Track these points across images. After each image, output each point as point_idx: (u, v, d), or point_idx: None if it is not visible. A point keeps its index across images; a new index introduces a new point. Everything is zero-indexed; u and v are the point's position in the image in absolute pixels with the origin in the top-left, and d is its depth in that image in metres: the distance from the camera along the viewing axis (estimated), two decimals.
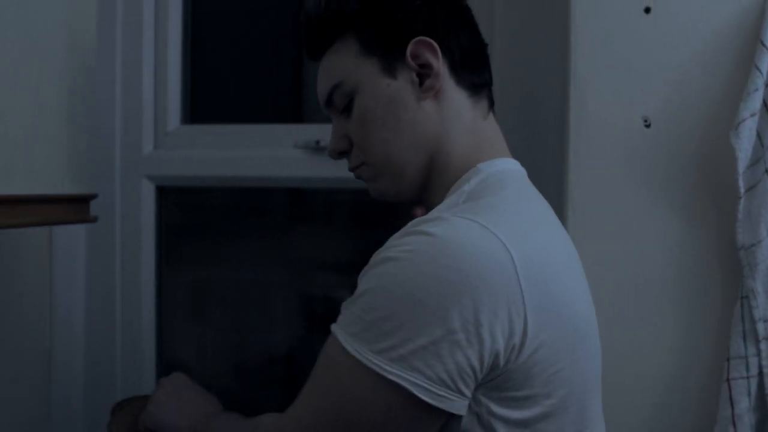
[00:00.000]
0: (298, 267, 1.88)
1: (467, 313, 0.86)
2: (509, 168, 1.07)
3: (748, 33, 1.33)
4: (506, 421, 0.91)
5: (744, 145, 1.26)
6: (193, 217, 1.98)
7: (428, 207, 1.07)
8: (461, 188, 1.01)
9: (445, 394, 0.87)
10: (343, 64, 1.06)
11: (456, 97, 1.05)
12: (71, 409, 1.82)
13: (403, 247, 0.90)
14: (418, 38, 1.02)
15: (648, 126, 1.37)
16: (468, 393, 0.89)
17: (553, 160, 1.54)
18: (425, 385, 0.87)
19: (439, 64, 1.03)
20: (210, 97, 1.92)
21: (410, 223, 0.94)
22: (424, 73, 1.03)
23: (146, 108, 1.83)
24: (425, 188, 1.07)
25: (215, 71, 1.92)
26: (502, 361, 0.89)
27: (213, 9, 1.92)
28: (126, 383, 1.85)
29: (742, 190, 1.27)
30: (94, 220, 1.33)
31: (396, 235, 0.94)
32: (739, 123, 1.26)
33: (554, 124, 1.53)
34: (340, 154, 1.10)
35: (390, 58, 1.03)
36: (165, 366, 1.89)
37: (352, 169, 1.10)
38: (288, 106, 1.90)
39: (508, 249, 0.89)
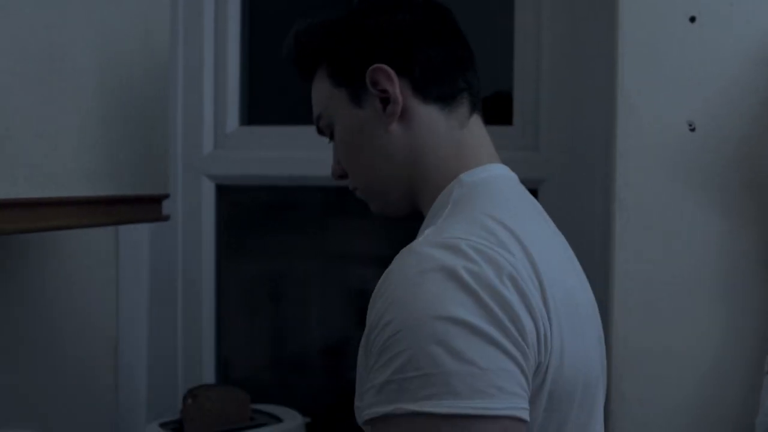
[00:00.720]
0: (350, 260, 1.96)
1: (514, 332, 0.83)
2: (494, 174, 1.03)
3: None
4: None
5: None
6: (249, 214, 2.06)
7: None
8: (446, 201, 0.99)
9: (528, 407, 0.85)
10: (321, 97, 1.08)
11: (424, 113, 1.02)
12: (136, 397, 1.90)
13: (426, 290, 0.83)
14: (372, 66, 1.01)
15: (693, 130, 1.42)
16: None
17: (601, 163, 1.60)
18: (526, 406, 0.84)
19: (395, 89, 1.01)
20: (267, 99, 2.00)
21: (404, 257, 0.88)
22: (386, 97, 1.02)
23: (206, 110, 1.91)
24: (417, 204, 1.06)
25: (273, 75, 2.00)
26: (539, 373, 0.87)
27: (270, 15, 1.99)
28: (187, 372, 1.93)
29: None
30: (167, 218, 1.42)
31: (395, 274, 0.87)
32: None
33: (602, 128, 1.59)
34: (340, 177, 1.12)
35: (355, 87, 1.04)
36: (223, 356, 1.98)
37: (352, 191, 1.12)
38: None
39: (513, 265, 0.86)
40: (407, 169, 1.03)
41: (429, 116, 1.03)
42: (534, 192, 1.65)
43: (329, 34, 1.06)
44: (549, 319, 0.87)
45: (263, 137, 1.92)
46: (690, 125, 1.42)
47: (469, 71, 1.06)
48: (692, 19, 1.42)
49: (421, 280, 0.83)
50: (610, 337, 1.44)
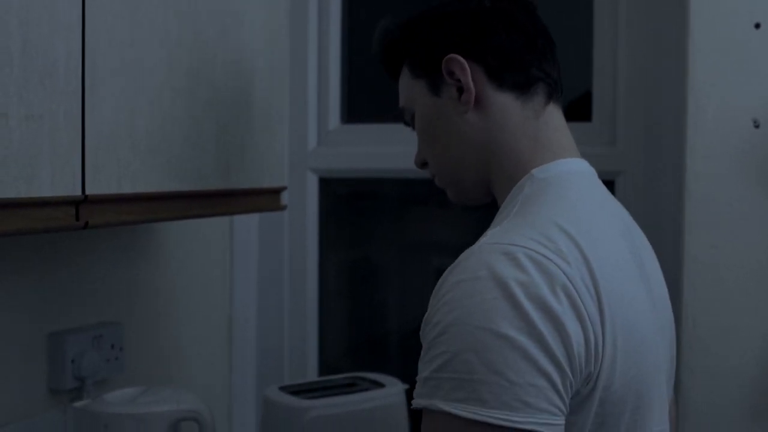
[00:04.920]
0: (441, 246, 2.11)
1: (555, 345, 0.84)
2: (566, 170, 1.02)
3: None
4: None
5: None
6: (348, 204, 2.25)
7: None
8: (516, 197, 1.00)
9: (562, 422, 0.86)
10: (404, 89, 1.12)
11: (499, 101, 1.03)
12: (247, 365, 2.11)
13: (474, 297, 0.85)
14: (447, 56, 1.03)
15: (757, 126, 1.54)
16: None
17: (673, 156, 1.72)
18: (553, 421, 0.84)
19: (468, 79, 1.03)
20: (364, 100, 2.17)
21: (466, 258, 0.89)
22: (462, 86, 1.04)
23: (311, 109, 2.10)
24: (492, 192, 1.08)
25: (369, 77, 2.17)
26: (590, 381, 0.88)
27: (367, 24, 2.17)
28: (293, 345, 2.14)
29: None
30: (284, 208, 1.61)
31: (454, 274, 0.88)
32: None
33: (674, 124, 1.71)
34: (423, 165, 1.15)
35: (433, 77, 1.06)
36: (325, 331, 2.17)
37: (432, 179, 1.15)
38: None
39: (567, 275, 0.87)
40: (482, 156, 1.05)
41: (504, 104, 1.03)
42: (611, 183, 1.80)
43: (409, 29, 1.10)
44: (603, 328, 0.87)
45: (361, 134, 2.10)
46: (755, 122, 1.55)
47: (546, 61, 1.05)
48: (757, 26, 1.54)
49: (472, 288, 0.85)
50: (680, 317, 1.57)
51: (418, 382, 0.88)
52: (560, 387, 0.84)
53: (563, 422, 0.85)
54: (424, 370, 0.88)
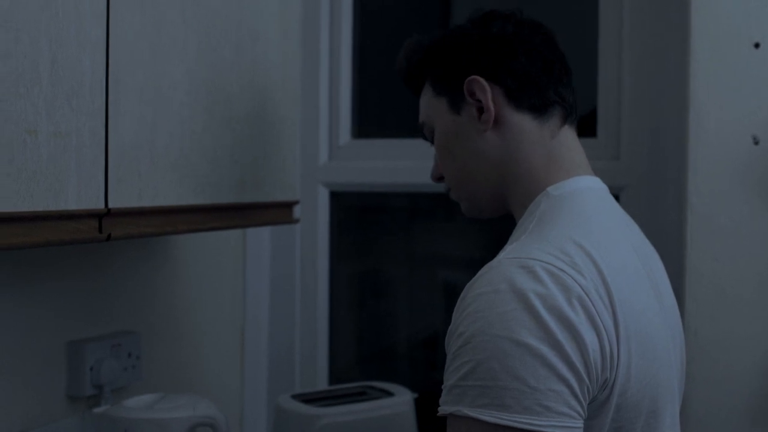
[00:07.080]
0: (449, 259, 2.14)
1: (573, 353, 0.88)
2: (580, 187, 1.06)
3: None
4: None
5: None
6: (359, 217, 2.29)
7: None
8: (533, 213, 1.04)
9: (581, 426, 0.90)
10: (425, 106, 1.17)
11: (517, 121, 1.08)
12: (259, 374, 2.15)
13: (496, 309, 0.89)
14: (469, 78, 1.08)
15: (757, 143, 1.58)
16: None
17: (675, 172, 1.76)
18: (573, 425, 0.89)
19: (488, 99, 1.08)
20: (374, 116, 2.22)
21: (486, 272, 0.94)
22: (482, 106, 1.09)
23: (322, 126, 2.15)
24: (506, 207, 1.13)
25: (379, 94, 2.22)
26: (606, 387, 0.93)
27: (377, 43, 2.22)
28: (304, 355, 2.18)
29: None
30: (297, 221, 1.65)
31: (476, 288, 0.93)
32: None
33: (676, 141, 1.75)
34: (438, 179, 1.21)
35: (454, 96, 1.11)
36: (335, 341, 2.21)
37: (447, 193, 1.20)
38: None
39: (583, 287, 0.91)
40: (498, 173, 1.10)
41: (521, 124, 1.08)
42: (615, 197, 1.81)
43: (433, 50, 1.16)
44: (617, 336, 0.92)
45: (371, 149, 2.14)
46: (754, 138, 1.58)
47: (562, 85, 1.11)
48: (756, 45, 1.58)
49: (493, 300, 0.90)
50: (682, 327, 1.59)
51: (444, 391, 0.92)
52: (578, 392, 0.88)
53: (582, 425, 0.90)
54: (449, 379, 0.91)
